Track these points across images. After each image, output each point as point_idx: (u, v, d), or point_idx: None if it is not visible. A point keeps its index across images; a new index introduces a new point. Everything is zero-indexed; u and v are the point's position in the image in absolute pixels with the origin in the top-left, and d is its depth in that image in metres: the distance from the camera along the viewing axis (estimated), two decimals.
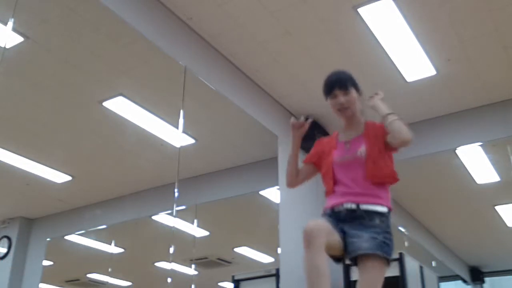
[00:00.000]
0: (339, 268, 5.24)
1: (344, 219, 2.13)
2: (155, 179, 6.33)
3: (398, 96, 5.20)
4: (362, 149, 2.22)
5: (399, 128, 2.17)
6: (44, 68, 4.43)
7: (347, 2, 4.00)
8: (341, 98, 2.25)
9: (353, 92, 2.27)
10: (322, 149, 2.39)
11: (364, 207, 2.13)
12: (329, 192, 2.26)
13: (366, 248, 2.03)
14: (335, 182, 2.24)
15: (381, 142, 2.24)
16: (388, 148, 2.23)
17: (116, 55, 4.36)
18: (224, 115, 5.29)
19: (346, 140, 2.31)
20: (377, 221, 2.10)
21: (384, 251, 2.04)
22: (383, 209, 2.14)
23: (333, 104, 2.28)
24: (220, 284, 8.46)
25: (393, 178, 2.22)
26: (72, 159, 5.96)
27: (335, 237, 2.07)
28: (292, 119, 2.34)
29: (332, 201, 2.21)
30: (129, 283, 7.90)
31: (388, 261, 2.06)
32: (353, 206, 2.14)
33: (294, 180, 2.39)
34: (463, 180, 6.44)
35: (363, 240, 2.05)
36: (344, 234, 2.12)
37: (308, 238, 1.93)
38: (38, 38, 4.09)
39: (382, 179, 2.19)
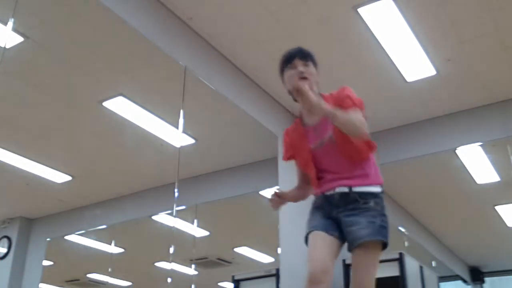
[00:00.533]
0: (339, 268, 5.24)
1: (337, 205, 2.07)
2: (155, 179, 6.33)
3: (398, 96, 5.20)
4: (329, 133, 2.09)
5: (347, 126, 1.94)
6: (44, 68, 4.43)
7: (347, 2, 4.00)
8: (301, 68, 2.12)
9: (312, 67, 2.15)
10: (292, 140, 2.26)
11: (357, 189, 2.04)
12: (315, 181, 2.17)
13: (365, 235, 1.97)
14: (319, 170, 2.16)
15: None
16: None
17: (116, 55, 4.36)
18: (224, 115, 5.29)
19: (312, 125, 2.17)
20: (371, 203, 2.02)
21: (383, 236, 1.99)
22: (376, 189, 2.06)
23: (290, 75, 2.11)
24: (220, 284, 8.46)
25: (370, 147, 2.09)
26: (72, 159, 5.96)
27: (337, 252, 2.05)
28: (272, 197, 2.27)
29: (321, 188, 2.13)
30: (129, 283, 7.89)
31: (386, 245, 2.01)
32: (346, 189, 2.06)
33: (308, 189, 2.30)
34: (463, 180, 6.44)
35: (361, 227, 1.99)
36: (339, 224, 2.05)
37: (314, 280, 1.90)
38: (38, 38, 4.08)
39: (360, 155, 2.08)
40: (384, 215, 2.04)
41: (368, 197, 2.04)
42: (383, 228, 2.00)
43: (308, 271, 1.92)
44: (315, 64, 2.19)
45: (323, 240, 2.03)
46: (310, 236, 2.07)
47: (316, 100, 1.92)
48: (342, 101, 2.08)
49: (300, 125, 2.23)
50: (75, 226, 6.99)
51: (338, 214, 2.06)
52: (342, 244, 2.07)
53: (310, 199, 2.28)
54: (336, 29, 4.30)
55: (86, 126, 5.35)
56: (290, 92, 2.17)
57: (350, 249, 2.02)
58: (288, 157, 2.31)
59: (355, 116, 1.96)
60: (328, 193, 2.10)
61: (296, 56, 2.15)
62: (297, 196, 2.31)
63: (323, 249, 2.00)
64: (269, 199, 2.24)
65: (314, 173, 2.17)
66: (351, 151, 2.07)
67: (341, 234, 2.05)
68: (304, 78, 2.09)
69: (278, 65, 2.20)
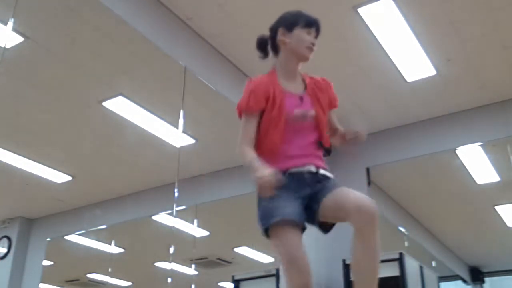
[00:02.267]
0: (339, 268, 5.24)
1: (306, 183, 1.90)
2: (155, 179, 6.33)
3: (398, 96, 5.20)
4: (312, 112, 2.00)
5: None
6: (44, 68, 4.43)
7: (347, 2, 3.99)
8: (314, 40, 2.08)
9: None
10: (268, 91, 2.01)
11: (322, 172, 1.94)
12: (274, 150, 1.93)
13: (333, 186, 1.89)
14: (283, 140, 1.95)
15: (326, 109, 2.06)
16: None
17: (116, 55, 4.36)
18: (224, 115, 5.28)
19: (295, 93, 2.03)
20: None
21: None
22: (331, 175, 1.97)
23: (305, 38, 2.05)
24: (220, 284, 8.45)
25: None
26: (72, 159, 5.96)
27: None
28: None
29: (283, 163, 1.90)
30: (129, 283, 7.89)
31: None
32: (313, 169, 1.92)
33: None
34: (463, 180, 6.44)
35: (332, 183, 1.91)
36: (306, 203, 1.88)
37: None
38: (38, 38, 4.08)
39: (327, 142, 2.03)
40: None
41: (329, 181, 1.94)
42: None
43: (300, 283, 1.72)
44: None
45: (299, 237, 1.80)
46: (285, 229, 1.78)
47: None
48: (335, 101, 2.11)
49: (277, 82, 2.06)
50: (75, 226, 6.99)
51: (306, 193, 1.90)
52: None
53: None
54: (336, 29, 4.29)
55: (86, 126, 5.34)
56: (263, 45, 2.14)
57: (323, 198, 1.86)
58: (258, 108, 1.99)
59: None
60: (294, 170, 1.90)
61: (316, 27, 2.11)
62: None
63: (303, 250, 1.79)
64: (264, 185, 1.74)
65: (279, 141, 1.93)
66: (327, 137, 2.02)
67: (306, 213, 1.88)
68: (311, 50, 2.06)
69: (290, 15, 2.11)
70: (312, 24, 2.10)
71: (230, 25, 4.25)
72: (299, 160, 1.94)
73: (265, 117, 1.98)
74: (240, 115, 2.04)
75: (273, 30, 2.13)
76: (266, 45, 2.16)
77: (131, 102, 4.89)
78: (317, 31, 2.11)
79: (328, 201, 1.86)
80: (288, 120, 1.96)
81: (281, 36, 2.09)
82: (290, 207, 1.83)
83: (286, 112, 1.96)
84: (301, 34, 2.06)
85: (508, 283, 9.63)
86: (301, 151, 1.96)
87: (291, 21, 2.09)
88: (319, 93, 2.06)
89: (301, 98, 2.02)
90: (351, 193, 1.81)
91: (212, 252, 7.49)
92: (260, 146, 1.97)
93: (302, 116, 1.98)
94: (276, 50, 2.14)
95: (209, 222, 6.89)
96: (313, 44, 2.06)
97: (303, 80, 2.11)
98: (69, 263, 7.60)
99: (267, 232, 1.83)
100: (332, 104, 2.11)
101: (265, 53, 2.18)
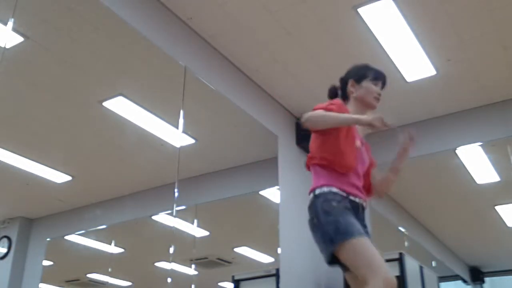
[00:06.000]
0: (339, 268, 5.23)
1: (358, 216, 2.06)
2: (155, 179, 6.32)
3: (398, 96, 5.20)
4: (366, 157, 2.24)
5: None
6: (44, 68, 4.43)
7: (347, 2, 3.99)
8: (380, 90, 2.27)
9: None
10: (346, 111, 2.22)
11: (365, 206, 2.16)
12: (347, 170, 2.06)
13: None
14: (350, 166, 2.11)
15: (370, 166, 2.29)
16: None
17: (116, 55, 4.36)
18: (224, 115, 5.29)
19: (360, 134, 2.28)
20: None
21: None
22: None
23: (373, 90, 2.24)
24: (220, 284, 8.45)
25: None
26: (72, 159, 5.95)
27: None
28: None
29: (350, 187, 2.06)
30: (129, 283, 7.89)
31: None
32: (364, 204, 2.13)
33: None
34: (463, 180, 6.44)
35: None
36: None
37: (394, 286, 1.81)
38: (38, 38, 4.08)
39: (370, 195, 2.26)
40: None
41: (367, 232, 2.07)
42: None
43: (388, 277, 1.80)
44: None
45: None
46: (365, 241, 1.91)
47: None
48: (374, 163, 2.39)
49: None
50: (75, 226, 6.98)
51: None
52: None
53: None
54: (336, 29, 4.29)
55: (86, 126, 5.34)
56: (343, 90, 2.30)
57: None
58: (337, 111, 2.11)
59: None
60: (354, 198, 2.07)
61: (382, 80, 2.31)
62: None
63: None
64: (378, 120, 1.98)
65: (353, 164, 2.08)
66: (370, 188, 2.29)
67: None
68: (378, 100, 2.27)
69: (359, 68, 2.31)
70: (380, 77, 2.31)
71: (230, 25, 4.24)
72: (357, 191, 2.08)
73: (341, 134, 2.09)
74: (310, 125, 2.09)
75: (344, 81, 2.33)
76: (337, 94, 2.35)
77: (131, 102, 4.89)
78: (383, 84, 2.31)
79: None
80: (358, 149, 2.16)
81: (351, 88, 2.28)
82: (360, 227, 1.94)
83: (356, 143, 2.15)
84: (369, 85, 2.25)
85: (508, 283, 9.63)
86: (358, 183, 2.12)
87: (361, 74, 2.29)
88: (368, 150, 2.30)
89: (362, 140, 2.25)
90: None
91: (212, 252, 7.49)
92: (330, 165, 2.06)
93: (361, 150, 2.19)
94: (345, 99, 2.32)
95: (209, 222, 6.89)
96: (379, 95, 2.27)
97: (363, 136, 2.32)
98: (69, 263, 7.60)
99: (340, 246, 1.89)
100: (373, 164, 2.33)
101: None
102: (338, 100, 2.25)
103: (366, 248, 1.85)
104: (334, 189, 2.00)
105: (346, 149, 2.07)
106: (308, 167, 2.14)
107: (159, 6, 4.04)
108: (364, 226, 2.06)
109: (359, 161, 2.14)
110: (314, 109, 2.12)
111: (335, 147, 2.06)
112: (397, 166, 2.29)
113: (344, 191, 2.02)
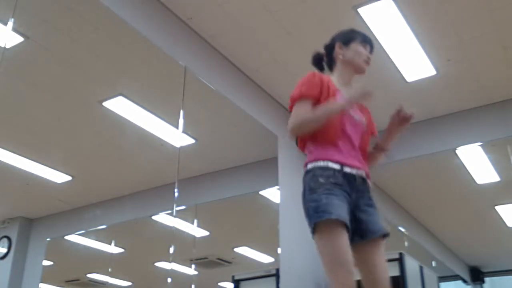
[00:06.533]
0: None
1: (358, 189, 1.91)
2: (155, 179, 6.33)
3: (398, 96, 5.20)
4: (362, 118, 2.06)
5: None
6: (44, 68, 4.43)
7: (347, 2, 3.99)
8: (369, 54, 2.16)
9: None
10: (324, 85, 2.02)
11: (369, 180, 1.98)
12: (331, 141, 1.93)
13: (384, 228, 1.89)
14: (342, 133, 1.96)
15: (369, 131, 2.12)
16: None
17: (116, 55, 4.36)
18: (224, 115, 5.29)
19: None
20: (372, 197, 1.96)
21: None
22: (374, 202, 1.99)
23: (362, 52, 2.13)
24: (220, 284, 8.47)
25: None
26: (72, 159, 5.96)
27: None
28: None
29: (341, 157, 1.90)
30: (129, 283, 7.90)
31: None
32: (364, 175, 1.95)
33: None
34: (463, 180, 6.44)
35: (379, 219, 1.91)
36: (353, 211, 1.89)
37: None
38: (38, 38, 4.09)
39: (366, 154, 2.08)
40: None
41: (375, 213, 1.95)
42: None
43: (350, 284, 1.72)
44: None
45: (348, 241, 1.80)
46: (338, 229, 1.77)
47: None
48: (375, 129, 2.21)
49: (332, 83, 2.08)
50: (75, 226, 6.99)
51: (358, 199, 1.91)
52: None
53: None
54: (336, 29, 4.28)
55: (86, 126, 5.35)
56: (330, 57, 2.17)
57: (369, 237, 1.89)
58: (311, 94, 1.99)
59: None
60: (351, 170, 1.91)
61: (370, 43, 2.20)
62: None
63: (351, 254, 1.80)
64: (363, 92, 1.95)
65: (338, 133, 1.94)
66: (366, 149, 2.07)
67: (357, 221, 1.90)
68: (367, 64, 2.16)
69: (346, 32, 2.19)
70: (367, 41, 2.18)
71: (230, 25, 4.24)
72: (353, 161, 1.94)
73: (321, 103, 1.98)
74: (291, 108, 2.03)
75: (329, 45, 2.20)
76: (322, 61, 2.21)
77: (131, 102, 4.89)
78: (371, 48, 2.19)
79: (366, 254, 1.88)
80: (346, 115, 1.98)
81: (338, 50, 2.15)
82: (344, 211, 1.81)
83: (345, 112, 2.00)
84: (358, 46, 2.14)
85: (508, 283, 9.65)
86: (353, 152, 1.96)
87: (348, 37, 2.16)
88: (365, 113, 2.14)
89: (360, 111, 2.10)
90: (384, 274, 1.87)
91: (212, 252, 7.49)
92: (316, 138, 1.96)
93: (360, 121, 2.04)
94: (331, 65, 2.19)
95: (209, 222, 6.89)
96: (369, 58, 2.15)
97: None
98: (69, 263, 7.61)
99: (314, 226, 1.81)
100: (373, 132, 2.17)
101: (320, 68, 2.22)
102: (309, 75, 2.05)
103: (336, 239, 1.75)
104: (323, 163, 1.88)
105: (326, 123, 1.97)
106: (301, 148, 2.04)
107: (159, 6, 4.04)
108: (369, 199, 1.93)
109: (352, 127, 1.99)
110: (291, 102, 2.02)
111: None
112: (382, 143, 2.09)
113: (338, 162, 1.88)
